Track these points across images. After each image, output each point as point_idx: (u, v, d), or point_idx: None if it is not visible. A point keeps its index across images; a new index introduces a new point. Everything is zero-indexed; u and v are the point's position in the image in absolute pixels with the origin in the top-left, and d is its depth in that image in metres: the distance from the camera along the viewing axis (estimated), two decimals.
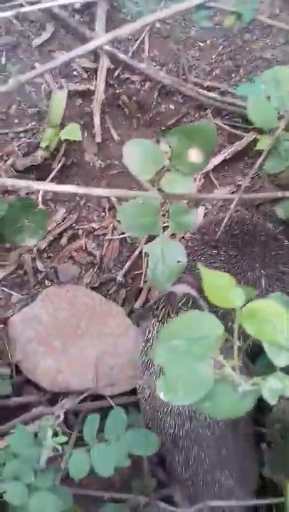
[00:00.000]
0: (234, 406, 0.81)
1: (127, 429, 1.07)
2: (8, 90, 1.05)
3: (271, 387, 0.78)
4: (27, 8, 1.06)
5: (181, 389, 0.77)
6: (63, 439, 0.96)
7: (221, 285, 0.87)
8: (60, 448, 0.95)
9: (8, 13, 1.02)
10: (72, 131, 1.43)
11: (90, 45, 0.98)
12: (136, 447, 1.02)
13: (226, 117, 1.70)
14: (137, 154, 1.12)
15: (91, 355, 1.43)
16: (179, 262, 1.10)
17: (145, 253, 1.46)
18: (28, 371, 1.40)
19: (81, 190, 1.08)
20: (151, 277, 1.11)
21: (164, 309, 1.30)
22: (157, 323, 1.30)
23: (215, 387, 0.80)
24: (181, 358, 0.79)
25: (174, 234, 1.51)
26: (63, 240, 1.56)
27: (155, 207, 1.11)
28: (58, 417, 1.08)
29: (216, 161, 1.67)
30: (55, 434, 0.96)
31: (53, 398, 1.38)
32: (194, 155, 1.10)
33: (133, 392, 1.39)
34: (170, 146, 1.11)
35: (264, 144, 1.40)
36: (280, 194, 1.32)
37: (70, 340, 1.44)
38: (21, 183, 1.00)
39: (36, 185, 1.03)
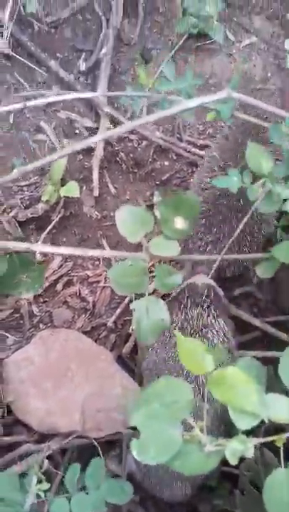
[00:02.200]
0: (201, 464, 0.90)
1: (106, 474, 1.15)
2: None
3: (233, 449, 0.87)
4: (33, 103, 1.16)
5: (152, 449, 0.86)
6: (46, 486, 1.04)
7: (194, 352, 0.97)
8: (43, 494, 1.03)
9: (17, 106, 1.13)
10: (71, 189, 1.54)
11: (89, 141, 1.07)
12: (112, 496, 1.10)
13: None
14: (127, 219, 1.23)
15: (79, 397, 1.51)
16: (161, 319, 1.20)
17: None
18: (19, 411, 1.49)
19: (75, 251, 1.19)
20: (136, 332, 1.21)
21: (188, 298, 1.42)
22: (181, 312, 1.42)
23: (183, 447, 0.89)
24: (155, 421, 0.89)
25: None
26: (59, 286, 1.66)
27: (142, 268, 1.21)
28: (42, 462, 1.15)
29: None
30: (40, 481, 1.04)
31: (42, 438, 1.46)
32: (179, 222, 1.21)
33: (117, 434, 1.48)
34: (158, 214, 1.22)
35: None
36: (260, 255, 1.42)
37: (60, 382, 1.52)
38: (22, 246, 1.10)
39: (34, 247, 1.13)
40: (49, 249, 1.21)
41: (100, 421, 1.51)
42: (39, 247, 1.13)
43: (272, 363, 1.46)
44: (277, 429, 0.95)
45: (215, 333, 1.42)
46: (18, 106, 1.12)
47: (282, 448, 0.93)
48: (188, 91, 1.08)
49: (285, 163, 0.92)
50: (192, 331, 1.40)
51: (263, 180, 0.95)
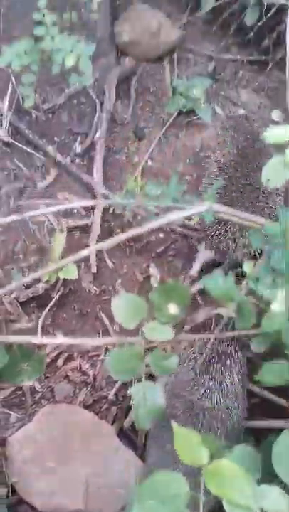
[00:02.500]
0: None
1: None
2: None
3: None
4: (32, 213, 1.24)
5: None
6: None
7: (189, 444, 1.01)
8: None
9: (14, 218, 1.20)
10: (70, 272, 1.61)
11: (84, 252, 1.13)
12: None
13: None
14: (122, 307, 1.28)
15: (82, 475, 1.53)
16: (158, 406, 1.24)
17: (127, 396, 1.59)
18: (23, 492, 1.51)
19: (74, 341, 1.24)
20: (134, 417, 1.25)
21: None
22: None
23: None
24: None
25: None
26: (59, 361, 1.70)
27: (138, 353, 1.26)
28: None
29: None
30: None
31: None
32: (172, 308, 1.26)
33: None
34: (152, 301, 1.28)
35: None
36: (253, 331, 1.47)
37: (63, 460, 1.55)
38: (22, 339, 1.16)
39: (34, 339, 1.18)
40: (49, 340, 1.26)
41: (104, 498, 1.53)
42: (39, 340, 1.19)
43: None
44: None
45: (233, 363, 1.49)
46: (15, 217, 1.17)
47: None
48: (174, 196, 1.15)
49: (264, 264, 0.98)
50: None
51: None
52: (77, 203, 1.74)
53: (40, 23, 1.41)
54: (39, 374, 1.29)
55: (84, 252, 1.10)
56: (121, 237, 1.11)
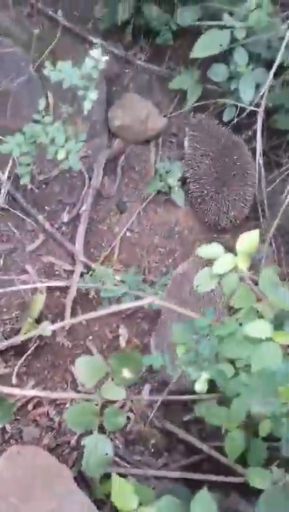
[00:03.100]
0: None
1: None
2: None
3: None
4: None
5: None
6: None
7: (123, 492, 1.23)
8: None
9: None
10: (45, 330, 1.84)
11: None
12: None
13: None
14: (84, 367, 1.52)
15: None
16: (106, 454, 1.46)
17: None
18: None
19: (40, 393, 1.46)
20: (85, 465, 1.47)
21: None
22: None
23: None
24: None
25: None
26: (30, 406, 1.91)
27: (94, 410, 1.49)
28: None
29: None
30: None
31: None
32: (126, 372, 1.49)
33: None
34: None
35: None
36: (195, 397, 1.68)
37: (26, 498, 1.72)
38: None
39: (5, 389, 1.41)
40: (18, 392, 1.48)
41: None
42: (8, 390, 1.41)
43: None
44: None
45: None
46: None
47: None
48: (130, 284, 1.40)
49: (194, 350, 1.21)
50: None
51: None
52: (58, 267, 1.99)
53: (38, 121, 1.69)
54: (7, 419, 1.51)
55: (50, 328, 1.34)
56: (83, 316, 1.35)
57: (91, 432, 1.48)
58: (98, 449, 1.46)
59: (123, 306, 1.32)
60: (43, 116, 1.70)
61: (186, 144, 2.32)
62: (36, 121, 1.71)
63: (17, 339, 1.89)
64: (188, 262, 2.02)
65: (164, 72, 2.53)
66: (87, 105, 1.65)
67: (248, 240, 1.07)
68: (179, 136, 2.46)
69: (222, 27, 2.14)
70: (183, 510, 1.31)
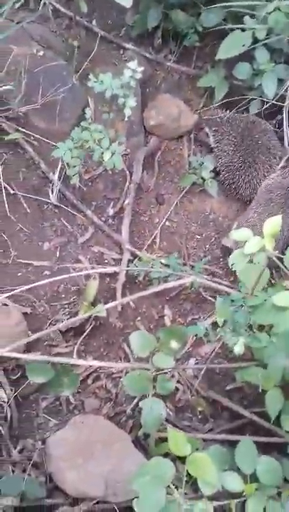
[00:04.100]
0: None
1: None
2: None
3: (199, 508, 1.34)
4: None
5: (146, 506, 1.34)
6: None
7: (178, 441, 1.45)
8: None
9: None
10: (100, 311, 2.08)
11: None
12: None
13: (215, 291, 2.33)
14: (138, 341, 1.74)
15: (104, 470, 1.96)
16: (161, 414, 1.69)
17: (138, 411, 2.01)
18: (58, 480, 1.94)
19: (101, 363, 1.70)
20: (143, 423, 1.71)
21: None
22: None
23: (168, 505, 1.35)
24: (148, 486, 1.36)
25: None
26: (89, 380, 2.16)
27: (148, 376, 1.72)
28: None
29: (206, 323, 2.28)
30: None
31: (74, 502, 1.92)
32: (173, 344, 1.72)
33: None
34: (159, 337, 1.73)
35: None
36: (236, 365, 1.89)
37: (89, 459, 1.98)
38: (63, 360, 1.63)
39: (73, 361, 1.65)
40: (82, 362, 1.73)
41: (119, 490, 1.94)
42: (75, 361, 1.65)
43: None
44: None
45: None
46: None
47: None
48: (173, 266, 1.61)
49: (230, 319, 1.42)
50: None
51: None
52: (108, 256, 2.23)
53: (86, 128, 1.92)
54: (74, 387, 1.75)
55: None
56: (133, 296, 1.58)
57: (146, 397, 1.71)
58: (153, 409, 1.69)
59: (169, 285, 1.53)
60: (89, 124, 1.93)
61: (211, 139, 2.53)
62: (84, 128, 1.94)
63: (76, 319, 2.12)
64: None
65: (192, 71, 2.72)
66: (127, 112, 1.87)
67: (272, 224, 1.27)
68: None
69: (244, 29, 2.32)
70: (228, 456, 1.53)
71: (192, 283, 1.72)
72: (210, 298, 2.30)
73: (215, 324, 2.27)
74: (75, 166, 2.10)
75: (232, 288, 1.73)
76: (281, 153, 2.47)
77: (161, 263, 1.79)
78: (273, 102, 2.33)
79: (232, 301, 1.43)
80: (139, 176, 2.43)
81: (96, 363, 1.69)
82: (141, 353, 1.73)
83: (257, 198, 2.36)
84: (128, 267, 2.26)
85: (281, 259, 1.34)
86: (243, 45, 2.27)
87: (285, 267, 1.35)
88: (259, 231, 1.98)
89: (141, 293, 1.57)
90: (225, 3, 2.43)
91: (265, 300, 1.33)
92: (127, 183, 2.43)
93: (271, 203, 2.29)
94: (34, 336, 1.63)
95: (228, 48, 2.29)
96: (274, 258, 1.28)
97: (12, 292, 1.77)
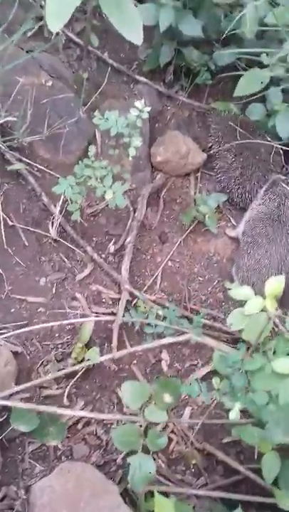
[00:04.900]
0: None
1: None
2: None
3: None
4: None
5: None
6: None
7: (165, 508, 1.35)
8: None
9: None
10: (93, 354, 1.99)
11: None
12: None
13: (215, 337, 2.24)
14: (129, 391, 1.66)
15: None
16: (150, 473, 1.59)
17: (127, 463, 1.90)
18: None
19: (89, 414, 1.61)
20: (130, 482, 1.61)
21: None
22: None
23: None
24: None
25: None
26: (79, 425, 2.05)
27: (138, 430, 1.62)
28: None
29: (204, 371, 2.18)
30: None
31: None
32: (167, 397, 1.63)
33: None
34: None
35: None
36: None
37: (74, 510, 1.88)
38: (50, 409, 1.54)
39: (60, 411, 1.56)
40: (69, 412, 1.64)
41: None
42: (63, 411, 1.57)
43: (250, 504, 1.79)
44: None
45: None
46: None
47: None
48: (171, 319, 1.53)
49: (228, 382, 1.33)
50: None
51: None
52: (105, 295, 2.15)
53: (89, 166, 1.87)
54: (62, 437, 1.67)
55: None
56: (130, 350, 1.50)
57: (136, 452, 1.61)
58: (142, 467, 1.60)
59: (164, 341, 1.46)
60: (92, 162, 1.87)
61: (211, 138, 2.55)
62: (87, 166, 1.89)
63: (68, 362, 2.05)
64: None
65: (204, 106, 2.69)
66: (131, 152, 1.81)
67: (275, 284, 1.19)
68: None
69: (262, 66, 2.29)
70: None
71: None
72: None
73: (214, 373, 2.19)
74: (76, 202, 2.04)
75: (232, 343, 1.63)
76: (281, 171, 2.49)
77: (158, 314, 1.71)
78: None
79: (231, 363, 1.35)
80: (143, 213, 2.37)
81: (83, 414, 1.60)
82: (133, 405, 1.64)
83: (243, 237, 2.35)
84: (126, 307, 2.18)
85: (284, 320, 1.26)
86: (262, 83, 2.22)
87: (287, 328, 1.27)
88: (258, 274, 1.92)
89: (136, 348, 1.50)
90: (239, 43, 2.40)
91: (264, 365, 1.25)
92: (130, 220, 2.37)
93: (258, 238, 2.27)
94: (21, 387, 1.54)
95: (246, 85, 2.25)
96: (276, 320, 1.20)
97: (4, 336, 1.69)
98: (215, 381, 1.40)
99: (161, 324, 1.56)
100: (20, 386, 1.57)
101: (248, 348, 1.51)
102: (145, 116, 1.82)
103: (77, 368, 1.76)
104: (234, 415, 1.34)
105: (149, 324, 1.61)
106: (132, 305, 2.21)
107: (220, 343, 1.44)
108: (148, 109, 1.81)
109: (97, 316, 2.15)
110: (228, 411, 1.37)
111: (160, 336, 1.71)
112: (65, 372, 1.95)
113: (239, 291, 1.23)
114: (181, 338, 1.41)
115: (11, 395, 1.92)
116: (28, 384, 1.57)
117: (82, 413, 1.63)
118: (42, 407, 1.56)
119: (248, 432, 1.69)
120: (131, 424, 1.61)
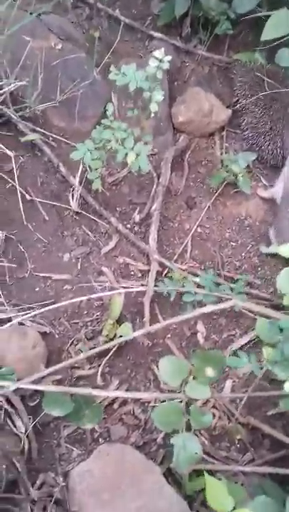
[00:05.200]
0: None
1: None
2: None
3: None
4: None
5: None
6: None
7: (218, 493, 1.23)
8: None
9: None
10: (125, 330, 1.87)
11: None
12: None
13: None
14: (167, 368, 1.53)
15: (132, 508, 1.76)
16: (196, 453, 1.47)
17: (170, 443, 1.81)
18: None
19: (126, 394, 1.49)
20: (174, 463, 1.49)
21: None
22: None
23: None
24: None
25: None
26: (115, 405, 1.95)
27: (180, 409, 1.50)
28: None
29: (243, 341, 2.05)
30: None
31: None
32: (209, 371, 1.49)
33: None
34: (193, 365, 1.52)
35: None
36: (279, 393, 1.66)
37: (115, 495, 1.78)
38: (84, 391, 1.43)
39: (94, 391, 1.45)
40: (104, 393, 1.52)
41: None
42: (97, 392, 1.45)
43: None
44: None
45: None
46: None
47: None
48: (209, 286, 1.39)
49: (280, 351, 1.19)
50: None
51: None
52: (134, 267, 2.02)
53: (108, 126, 1.71)
54: (98, 420, 1.55)
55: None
56: (165, 322, 1.37)
57: (177, 431, 1.49)
58: (187, 447, 1.47)
59: (205, 310, 1.32)
60: (111, 121, 1.72)
61: (236, 92, 2.38)
62: (106, 127, 1.73)
63: (99, 340, 1.94)
64: None
65: (225, 59, 2.49)
66: (153, 107, 1.65)
67: None
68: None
69: None
70: (277, 509, 1.30)
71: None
72: (247, 312, 2.07)
73: (255, 342, 2.05)
74: (96, 169, 1.90)
75: (278, 308, 1.48)
76: None
77: (195, 282, 1.57)
78: None
79: (280, 329, 1.20)
80: (168, 178, 2.21)
81: (119, 394, 1.48)
82: (171, 382, 1.51)
83: (284, 196, 2.15)
84: (157, 279, 2.05)
85: None
86: None
87: None
88: None
89: (174, 319, 1.36)
90: None
91: None
92: (155, 186, 2.22)
93: None
94: (50, 369, 1.43)
95: (275, 28, 2.04)
96: None
97: (29, 315, 1.57)
98: (265, 350, 1.26)
99: (201, 292, 1.42)
100: (50, 369, 1.46)
101: None
102: (166, 66, 1.65)
103: (109, 345, 1.63)
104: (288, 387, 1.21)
105: (187, 292, 1.47)
106: (162, 276, 2.08)
107: (266, 309, 1.30)
108: (169, 58, 1.64)
109: (126, 290, 2.03)
110: (271, 381, 1.23)
111: (199, 305, 1.57)
112: (97, 351, 1.83)
113: (286, 248, 1.08)
114: (224, 305, 1.28)
115: (43, 378, 1.82)
116: (59, 366, 1.45)
117: (118, 393, 1.52)
118: (75, 389, 1.45)
119: None
120: (171, 402, 1.48)
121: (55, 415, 1.50)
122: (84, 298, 1.53)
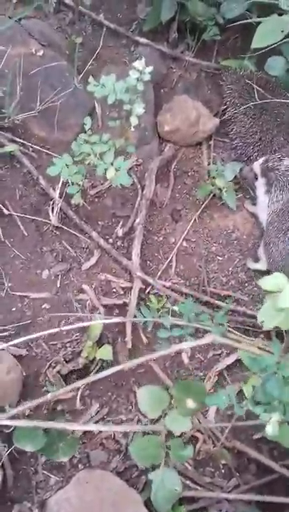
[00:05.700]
0: None
1: None
2: None
3: None
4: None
5: None
6: None
7: None
8: None
9: None
10: (105, 353, 1.80)
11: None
12: None
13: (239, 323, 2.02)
14: (147, 398, 1.45)
15: None
16: (175, 490, 1.39)
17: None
18: None
19: (103, 427, 1.41)
20: (153, 501, 1.41)
21: None
22: None
23: None
24: None
25: None
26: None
27: (159, 442, 1.42)
28: None
29: (230, 360, 1.97)
30: None
31: None
32: (190, 403, 1.42)
33: None
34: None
35: None
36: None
37: None
38: (58, 425, 1.34)
39: (68, 426, 1.37)
40: (78, 427, 1.44)
41: None
42: (72, 427, 1.37)
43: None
44: None
45: None
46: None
47: None
48: (189, 317, 1.31)
49: (261, 389, 1.12)
50: None
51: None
52: (116, 284, 1.94)
53: (86, 141, 1.63)
54: (73, 453, 1.47)
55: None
56: (144, 358, 1.29)
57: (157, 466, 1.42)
58: (166, 483, 1.40)
59: (183, 346, 1.24)
60: (89, 136, 1.63)
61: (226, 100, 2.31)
62: (85, 141, 1.65)
63: (78, 362, 1.86)
64: None
65: (213, 65, 2.41)
66: (133, 121, 1.57)
67: None
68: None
69: (280, 14, 2.00)
70: None
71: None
72: (233, 331, 1.99)
73: (241, 362, 1.97)
74: (77, 184, 1.81)
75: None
76: None
77: (174, 310, 1.48)
78: None
79: (264, 367, 1.12)
80: (152, 189, 2.13)
81: (96, 428, 1.40)
82: (151, 414, 1.44)
83: (271, 225, 2.07)
84: (139, 296, 1.97)
85: None
86: (282, 31, 1.93)
87: None
88: None
89: (150, 356, 1.29)
90: None
91: None
92: (139, 199, 2.14)
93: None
94: (29, 405, 1.35)
95: (265, 35, 1.95)
96: None
97: (5, 345, 1.48)
98: (246, 389, 1.18)
99: (180, 323, 1.35)
100: (24, 406, 1.38)
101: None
102: (147, 78, 1.57)
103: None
104: (272, 430, 1.13)
105: (163, 328, 1.39)
106: (145, 293, 2.00)
107: (247, 346, 1.23)
108: (149, 69, 1.56)
109: (108, 308, 1.95)
110: (257, 404, 1.16)
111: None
112: (74, 369, 1.76)
113: (271, 280, 1.01)
114: (202, 342, 1.20)
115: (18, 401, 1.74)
116: (35, 403, 1.37)
117: (93, 427, 1.44)
118: (47, 424, 1.36)
119: (284, 432, 1.47)
120: (151, 436, 1.41)
121: (28, 450, 1.42)
122: (56, 330, 1.44)
